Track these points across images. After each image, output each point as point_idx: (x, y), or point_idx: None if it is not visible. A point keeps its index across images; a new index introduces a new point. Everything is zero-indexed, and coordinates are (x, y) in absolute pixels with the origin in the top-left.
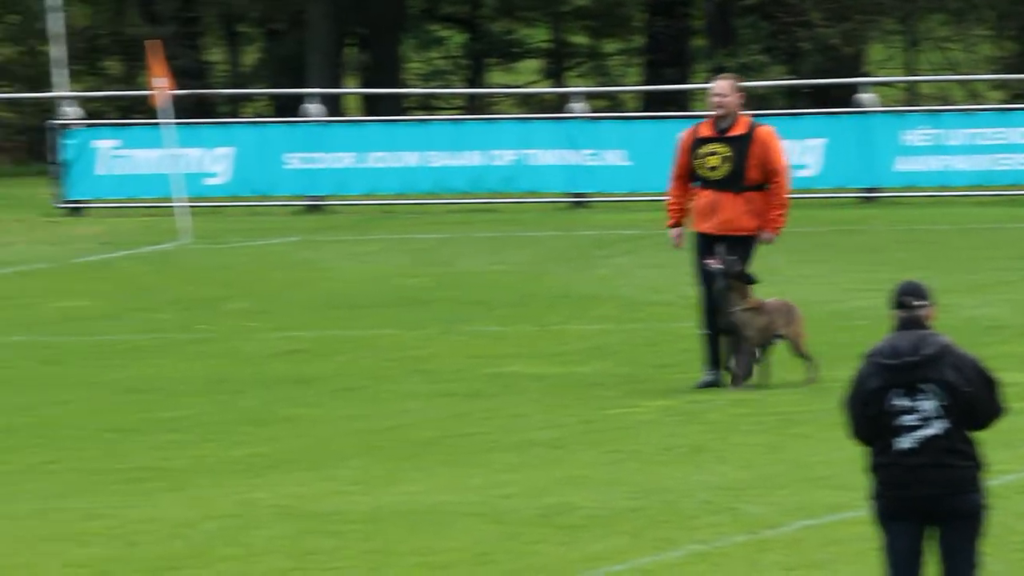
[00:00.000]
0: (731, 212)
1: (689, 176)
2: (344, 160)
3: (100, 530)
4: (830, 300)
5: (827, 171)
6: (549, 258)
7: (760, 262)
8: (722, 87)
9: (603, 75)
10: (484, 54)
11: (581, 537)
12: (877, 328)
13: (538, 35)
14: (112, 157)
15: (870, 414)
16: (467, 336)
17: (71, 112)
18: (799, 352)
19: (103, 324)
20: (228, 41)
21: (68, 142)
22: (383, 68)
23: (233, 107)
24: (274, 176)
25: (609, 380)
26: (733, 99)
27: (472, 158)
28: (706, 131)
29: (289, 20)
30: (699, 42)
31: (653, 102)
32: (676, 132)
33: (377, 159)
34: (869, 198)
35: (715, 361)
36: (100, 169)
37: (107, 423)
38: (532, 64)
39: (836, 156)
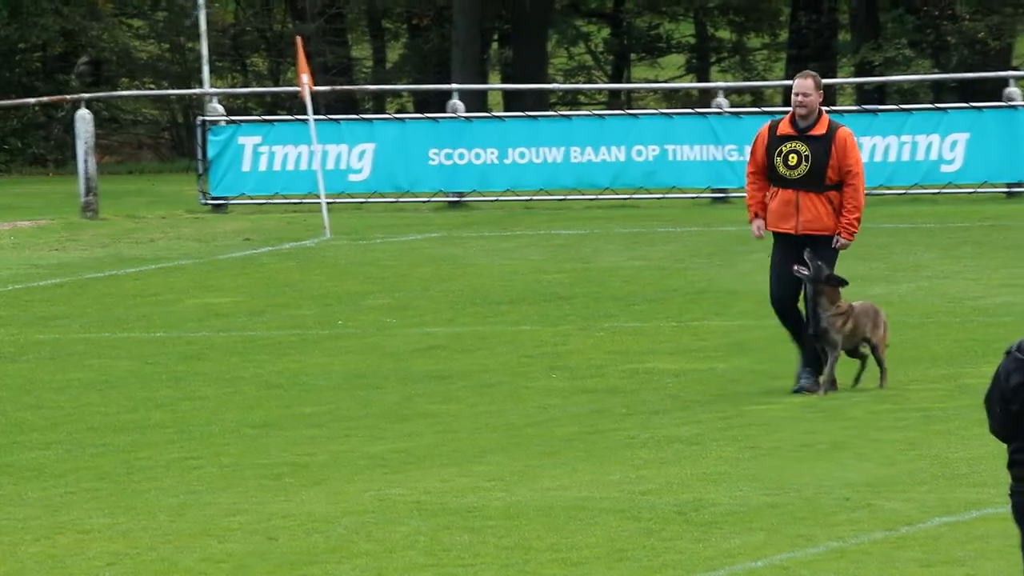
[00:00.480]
0: (813, 212)
1: (766, 174)
2: (486, 156)
3: (239, 525)
4: (975, 296)
5: (972, 166)
6: (690, 254)
7: (906, 257)
8: (805, 85)
9: (747, 70)
10: (628, 49)
11: (718, 533)
12: (1022, 324)
13: (682, 30)
14: (256, 153)
15: (1012, 410)
16: (606, 332)
17: (216, 108)
18: (878, 357)
19: (245, 320)
20: (373, 37)
21: (213, 139)
22: (527, 63)
23: (377, 103)
24: (416, 172)
25: (748, 376)
26: (815, 98)
27: (614, 153)
28: (786, 128)
29: (433, 16)
30: (844, 36)
31: None
32: None
33: (519, 155)
34: (1015, 193)
35: (812, 362)
36: (244, 166)
37: (247, 419)
38: (676, 59)
39: (981, 150)
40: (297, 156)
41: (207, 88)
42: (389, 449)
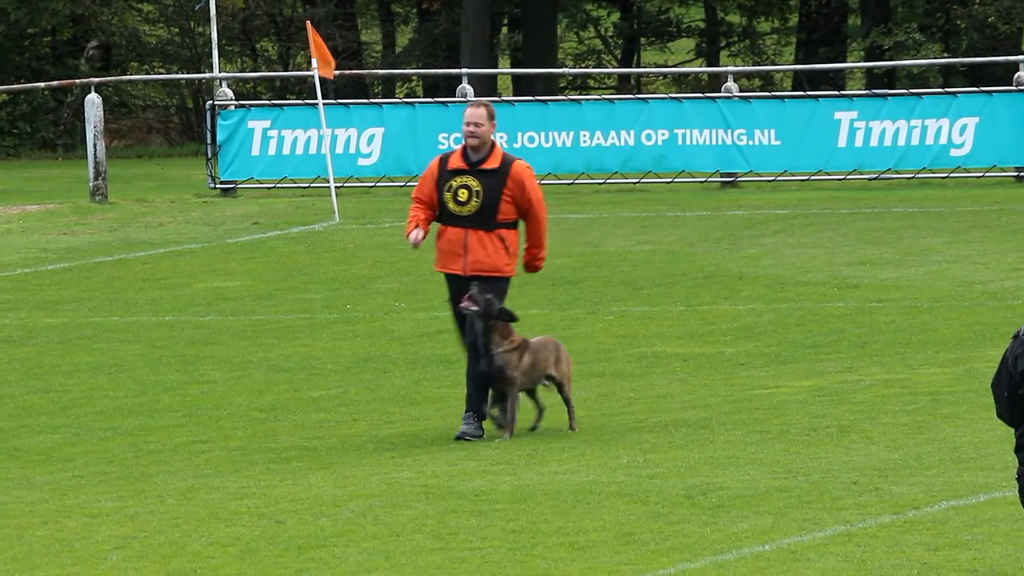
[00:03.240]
0: (482, 252)
1: (432, 208)
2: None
3: (247, 509)
4: (984, 280)
5: (982, 150)
6: (698, 238)
7: (916, 241)
8: (477, 115)
9: (757, 54)
10: (638, 33)
11: (725, 517)
12: None
13: (692, 14)
14: (265, 138)
15: (1020, 394)
16: (615, 316)
17: (225, 93)
18: (564, 395)
19: (253, 304)
20: (382, 21)
21: (223, 123)
22: (536, 48)
23: (386, 87)
24: (426, 156)
25: (756, 360)
26: (488, 128)
27: (624, 138)
28: (457, 162)
29: (443, 0)
30: (854, 20)
31: (806, 81)
32: (830, 112)
33: (528, 139)
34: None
35: (479, 409)
36: (254, 150)
37: (255, 402)
38: (686, 43)
39: (991, 135)
40: (306, 140)
41: (217, 72)
42: (397, 433)
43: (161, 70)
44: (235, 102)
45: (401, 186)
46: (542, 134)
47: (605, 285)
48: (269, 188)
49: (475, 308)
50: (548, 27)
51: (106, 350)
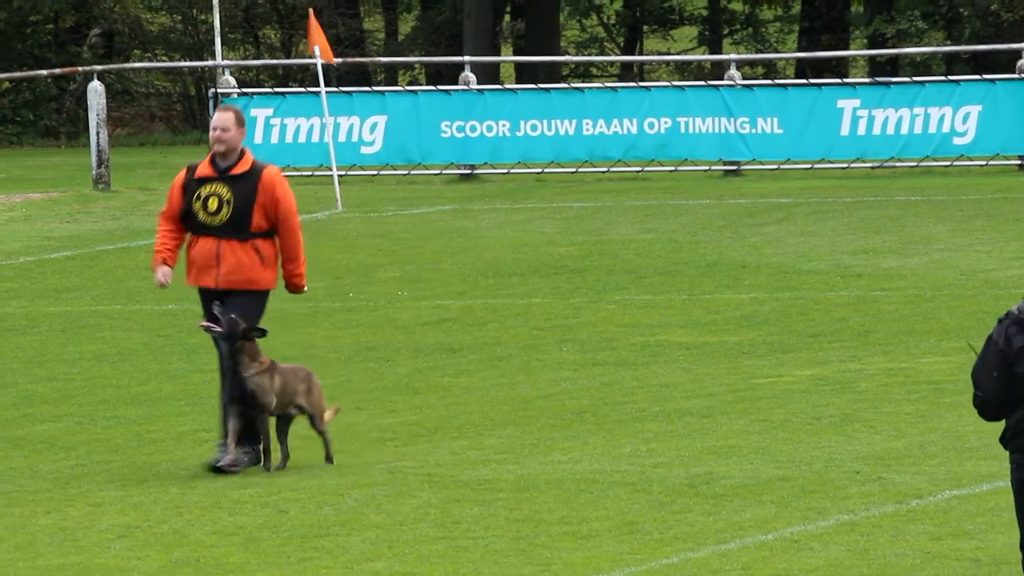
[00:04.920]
0: (235, 262)
1: (184, 220)
2: (498, 128)
3: (249, 498)
4: (987, 268)
5: (985, 138)
6: (701, 226)
7: (918, 230)
8: (225, 119)
9: (760, 42)
10: (640, 21)
11: (728, 506)
12: None
13: (695, 2)
14: (268, 126)
15: (1016, 373)
16: (617, 305)
17: (228, 80)
18: (318, 428)
19: None
20: (385, 9)
21: None
22: (539, 36)
23: (389, 75)
24: (428, 144)
25: (759, 349)
26: (236, 134)
27: (626, 126)
28: (205, 170)
29: None
30: (857, 8)
31: (809, 69)
32: (832, 100)
33: (531, 127)
34: None
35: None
36: (256, 138)
37: None
38: (688, 31)
39: (994, 123)
40: (309, 128)
41: (219, 60)
42: (400, 422)
43: (164, 57)
44: (237, 90)
45: (404, 174)
46: (544, 122)
47: (608, 274)
48: None
49: (219, 330)
50: (551, 15)
51: (109, 339)
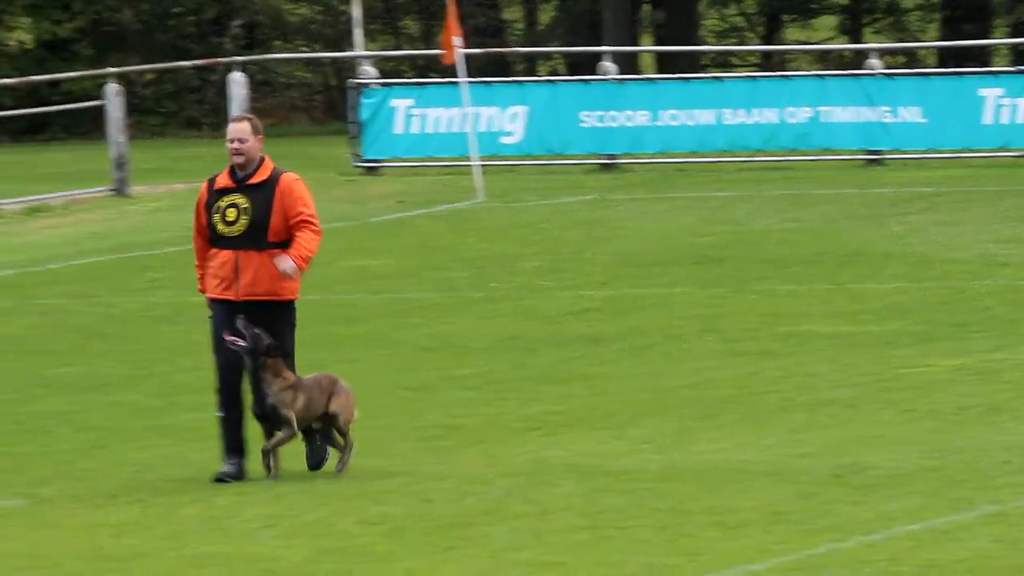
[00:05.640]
0: (254, 275)
1: (209, 235)
2: (638, 118)
3: (395, 487)
4: None
5: None
6: (843, 216)
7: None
8: (240, 130)
9: (901, 31)
10: (780, 10)
11: (875, 496)
12: None
13: None
14: (408, 116)
15: None
16: (760, 294)
17: (368, 71)
18: (341, 431)
19: (398, 282)
20: None
21: (365, 101)
22: (678, 25)
23: (528, 65)
24: (568, 134)
25: (904, 339)
26: (254, 143)
27: (767, 115)
28: (224, 181)
29: None
30: None
31: (951, 58)
32: (974, 88)
33: (671, 117)
34: None
35: (237, 448)
36: (397, 128)
37: (401, 381)
38: (829, 20)
39: None
40: (449, 119)
41: (359, 51)
42: (543, 412)
43: (304, 48)
44: (378, 80)
45: (544, 164)
46: (684, 112)
47: (750, 263)
48: (412, 167)
49: (242, 344)
50: (690, 4)
51: None
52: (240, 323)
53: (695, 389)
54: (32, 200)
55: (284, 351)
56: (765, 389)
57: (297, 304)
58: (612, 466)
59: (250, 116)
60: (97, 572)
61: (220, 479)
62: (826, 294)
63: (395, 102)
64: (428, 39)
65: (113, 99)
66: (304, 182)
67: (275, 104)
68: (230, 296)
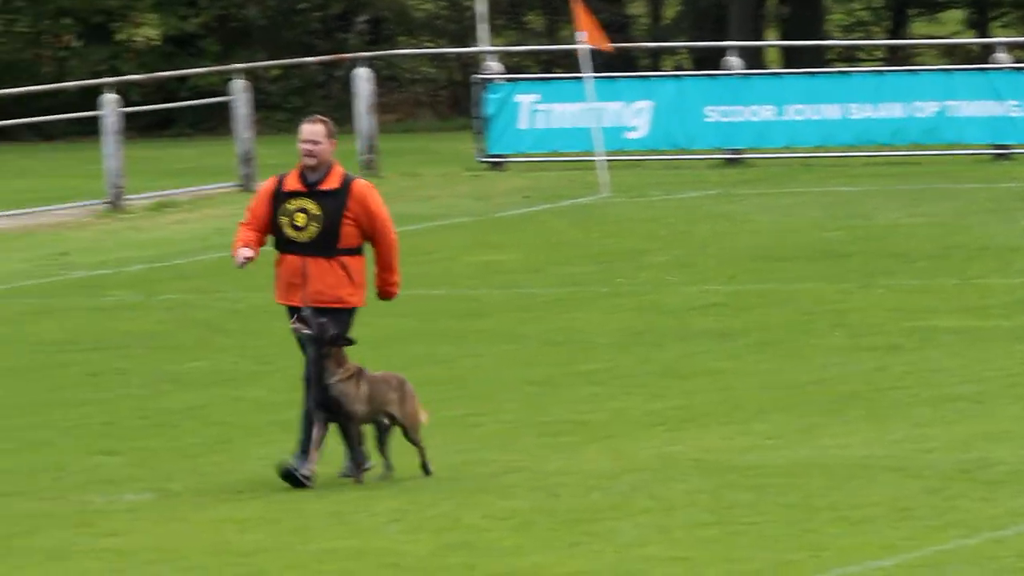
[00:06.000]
0: (322, 282)
1: (268, 233)
2: (764, 113)
3: (521, 482)
4: None
5: None
6: (970, 211)
7: None
8: (314, 132)
9: None
10: (906, 4)
11: (1003, 492)
12: None
13: None
14: (533, 112)
15: None
16: (886, 289)
17: (493, 67)
18: (412, 438)
19: (523, 277)
20: None
21: (490, 97)
22: (804, 19)
23: (653, 60)
24: (693, 129)
25: None
26: (327, 146)
27: (893, 110)
28: (294, 183)
29: None
30: None
31: None
32: None
33: (797, 111)
34: None
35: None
36: (522, 123)
37: (527, 376)
38: (955, 14)
39: None
40: (574, 114)
41: (484, 46)
42: (669, 407)
43: (429, 44)
44: (503, 76)
45: (669, 159)
46: (810, 107)
47: (876, 258)
48: (538, 162)
49: (307, 331)
50: None
51: (378, 324)
52: (307, 311)
53: (821, 384)
54: (159, 196)
55: (350, 343)
56: (891, 384)
57: (359, 311)
58: (738, 461)
59: (324, 119)
60: (224, 566)
61: (288, 473)
62: (953, 289)
63: (520, 97)
64: (553, 34)
65: (240, 95)
66: (376, 189)
67: (400, 100)
68: (296, 302)
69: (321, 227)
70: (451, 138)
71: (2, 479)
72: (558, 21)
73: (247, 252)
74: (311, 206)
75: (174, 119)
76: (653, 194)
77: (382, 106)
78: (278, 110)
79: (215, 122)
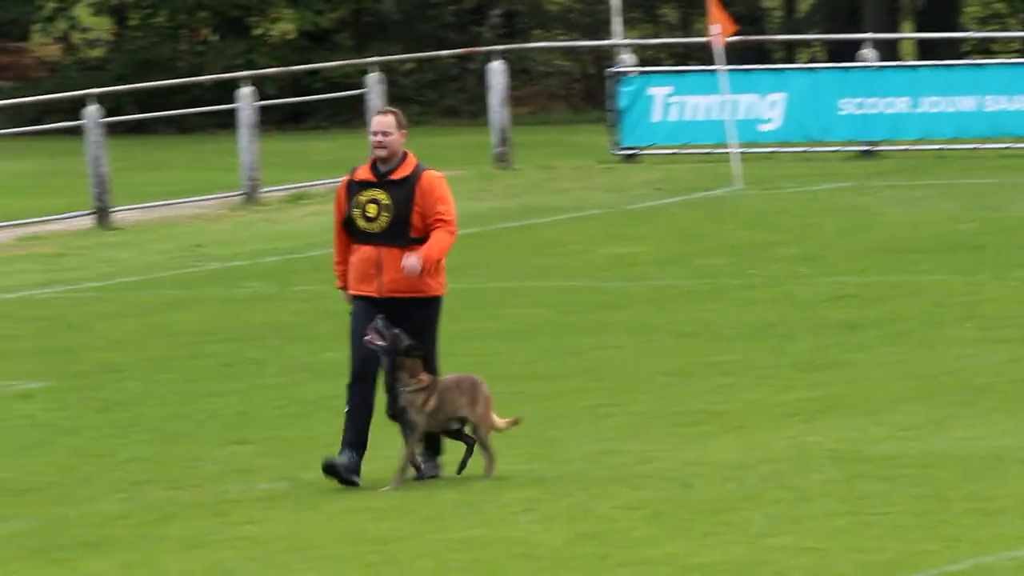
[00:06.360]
0: (397, 271)
1: (349, 229)
2: (898, 105)
3: (654, 472)
4: None
5: None
6: None
7: None
8: (385, 123)
9: None
10: None
11: None
12: None
13: None
14: (667, 104)
15: None
16: (1020, 282)
17: (627, 60)
18: (480, 440)
19: (656, 269)
20: None
21: (624, 89)
22: (940, 12)
23: (787, 53)
24: (827, 121)
25: None
26: (398, 137)
27: None
28: (365, 174)
29: None
30: None
31: None
32: None
33: (931, 104)
34: None
35: (357, 443)
36: (655, 116)
37: (660, 367)
38: None
39: None
40: (707, 106)
41: (618, 39)
42: (802, 398)
43: (563, 37)
44: (636, 69)
45: (802, 151)
46: (945, 99)
47: (1011, 250)
48: (671, 154)
49: (381, 343)
50: None
51: (512, 315)
52: (379, 323)
53: (954, 376)
54: (294, 188)
55: (423, 353)
56: None
57: (443, 300)
58: (871, 452)
59: (395, 110)
60: (358, 555)
61: (331, 468)
62: None
63: (653, 90)
64: (687, 27)
65: (374, 87)
66: (445, 180)
67: (534, 92)
68: (372, 292)
69: (392, 217)
70: (584, 131)
71: (139, 468)
72: (692, 14)
73: (345, 297)
74: (381, 196)
75: (309, 112)
76: (786, 186)
77: (515, 99)
78: (412, 103)
79: (350, 115)
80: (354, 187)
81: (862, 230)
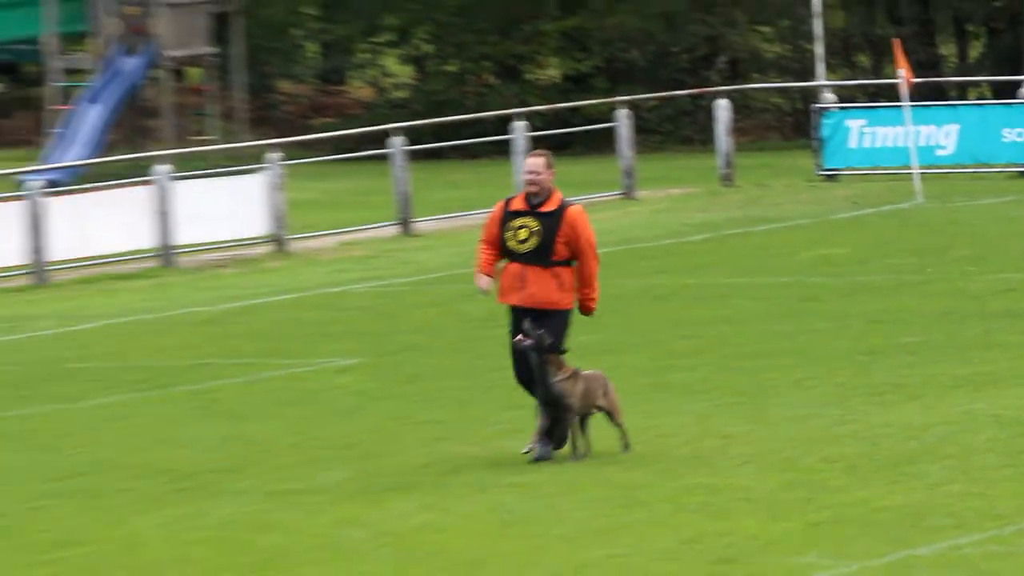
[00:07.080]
0: (538, 286)
1: (498, 248)
2: None
3: (849, 433)
4: None
5: None
6: None
7: None
8: (536, 164)
9: None
10: None
11: None
12: None
13: None
14: (861, 133)
15: None
16: None
17: (828, 97)
18: (616, 422)
19: (852, 267)
20: (957, 37)
21: (826, 121)
22: None
23: (960, 92)
24: (993, 147)
25: None
26: (546, 176)
27: None
28: (519, 205)
29: (1009, 19)
30: None
31: None
32: None
33: None
34: None
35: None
36: (851, 143)
37: (855, 347)
38: None
39: None
40: (894, 135)
41: (822, 81)
42: (972, 372)
43: (776, 79)
44: (836, 105)
45: (972, 172)
46: None
47: None
48: (864, 174)
49: (528, 343)
50: None
51: (733, 305)
52: (527, 325)
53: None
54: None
55: (562, 349)
56: None
57: (571, 314)
58: None
59: (546, 153)
60: (611, 497)
61: (540, 458)
62: None
63: (850, 122)
64: (877, 71)
65: (623, 121)
66: (586, 214)
67: (752, 124)
68: (515, 302)
69: (540, 240)
70: (793, 155)
71: (436, 429)
72: (882, 60)
73: (485, 283)
74: (532, 223)
75: (571, 142)
76: (959, 200)
77: (738, 130)
78: (654, 133)
79: (603, 144)
80: (509, 214)
81: (1021, 236)
